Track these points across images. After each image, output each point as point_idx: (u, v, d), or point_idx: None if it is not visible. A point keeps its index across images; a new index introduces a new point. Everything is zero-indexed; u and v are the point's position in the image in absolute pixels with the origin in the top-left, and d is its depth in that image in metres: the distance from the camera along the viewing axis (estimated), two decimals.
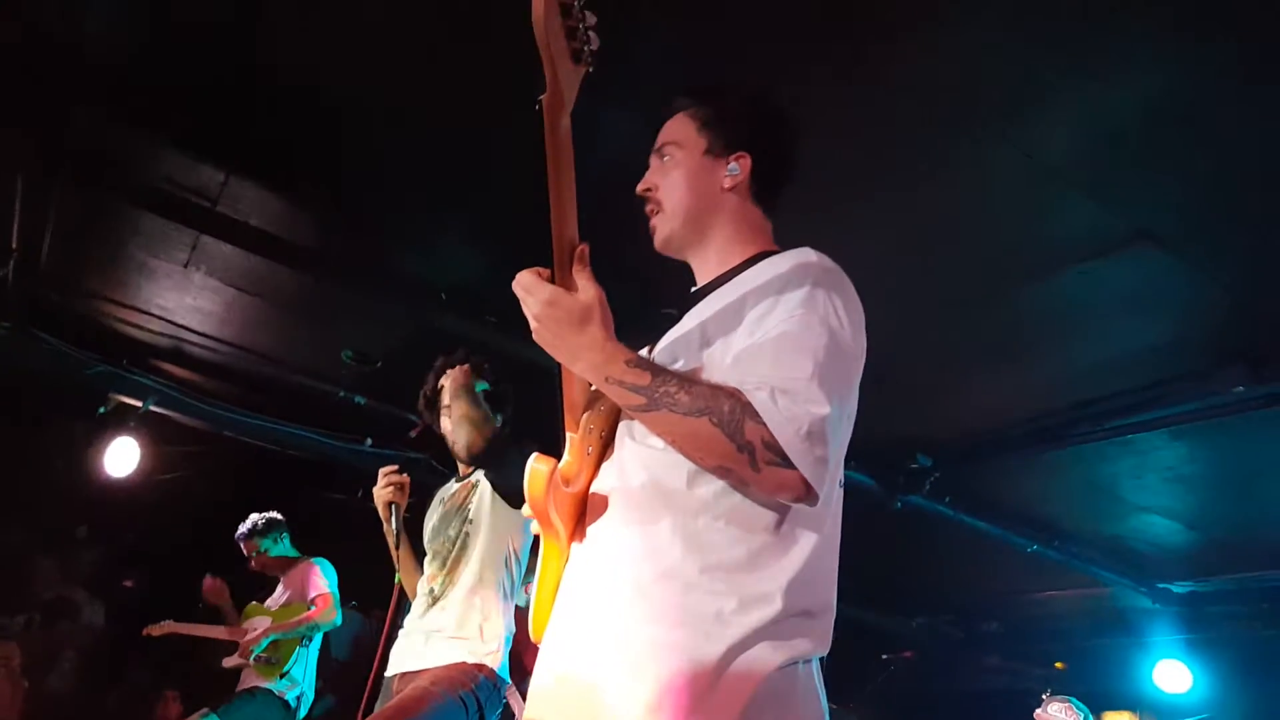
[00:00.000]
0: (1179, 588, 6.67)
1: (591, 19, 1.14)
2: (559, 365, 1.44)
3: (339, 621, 4.80)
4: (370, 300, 4.57)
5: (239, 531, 5.14)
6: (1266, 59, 2.60)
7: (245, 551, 5.10)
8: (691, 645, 1.29)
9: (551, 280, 1.35)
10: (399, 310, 4.60)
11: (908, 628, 8.46)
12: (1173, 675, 6.90)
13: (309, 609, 4.72)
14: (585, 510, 1.52)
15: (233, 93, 3.41)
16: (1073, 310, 3.85)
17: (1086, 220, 3.32)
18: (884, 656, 8.90)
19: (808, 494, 1.31)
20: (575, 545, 1.53)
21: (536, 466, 1.47)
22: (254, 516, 5.17)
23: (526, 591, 3.04)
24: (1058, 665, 8.10)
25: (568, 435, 1.53)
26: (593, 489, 1.53)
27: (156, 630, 4.99)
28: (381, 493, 3.07)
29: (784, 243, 1.65)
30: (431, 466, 5.59)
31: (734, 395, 1.31)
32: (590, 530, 1.50)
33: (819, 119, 2.97)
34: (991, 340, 4.20)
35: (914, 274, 3.80)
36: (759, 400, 1.30)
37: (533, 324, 1.35)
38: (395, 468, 3.11)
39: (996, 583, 7.38)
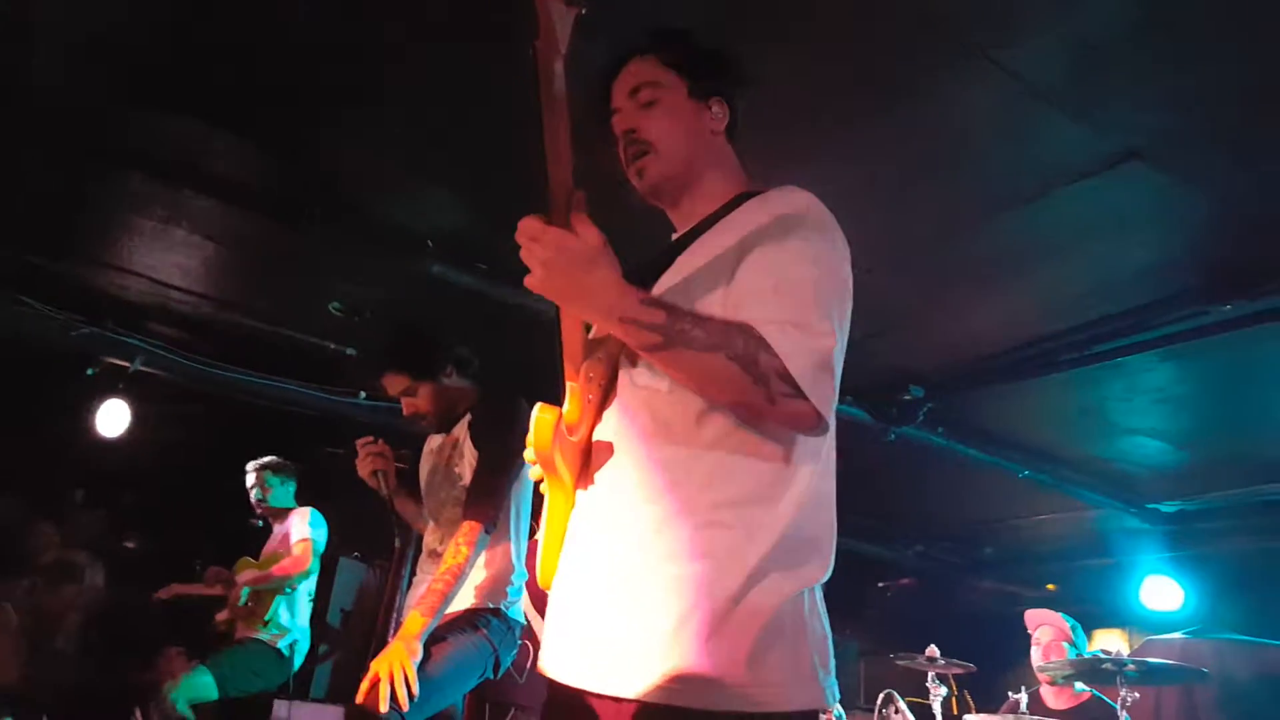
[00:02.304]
0: (1168, 507, 6.76)
1: None
2: (558, 318, 1.42)
3: (314, 570, 4.80)
4: (354, 250, 4.51)
5: (251, 464, 5.12)
6: None
7: (254, 483, 5.07)
8: (709, 578, 1.32)
9: None
10: (385, 260, 4.54)
11: (905, 556, 8.58)
12: (1163, 593, 7.03)
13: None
14: (590, 457, 1.52)
15: (205, 44, 3.32)
16: (1061, 233, 3.82)
17: (1073, 141, 3.28)
18: (882, 585, 9.05)
19: (818, 424, 1.35)
20: (581, 492, 1.53)
21: (542, 415, 1.46)
22: (270, 457, 5.17)
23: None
24: (1050, 587, 8.26)
25: (568, 385, 1.52)
26: (596, 435, 1.52)
27: (164, 594, 5.11)
28: (364, 465, 3.02)
29: (770, 175, 1.64)
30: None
31: (746, 329, 1.33)
32: (597, 476, 1.50)
33: (801, 47, 2.93)
34: (980, 267, 4.18)
35: (902, 203, 3.76)
36: (771, 334, 1.31)
37: (539, 271, 1.30)
38: (370, 439, 3.05)
39: (990, 509, 7.47)
